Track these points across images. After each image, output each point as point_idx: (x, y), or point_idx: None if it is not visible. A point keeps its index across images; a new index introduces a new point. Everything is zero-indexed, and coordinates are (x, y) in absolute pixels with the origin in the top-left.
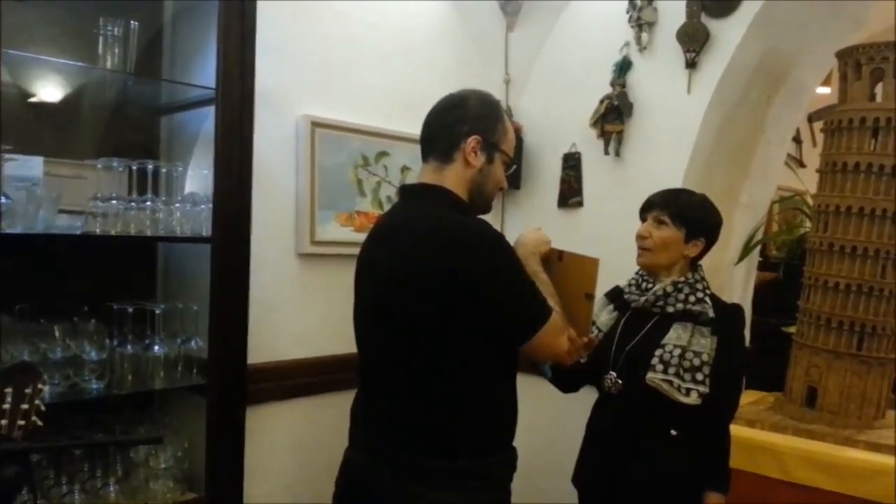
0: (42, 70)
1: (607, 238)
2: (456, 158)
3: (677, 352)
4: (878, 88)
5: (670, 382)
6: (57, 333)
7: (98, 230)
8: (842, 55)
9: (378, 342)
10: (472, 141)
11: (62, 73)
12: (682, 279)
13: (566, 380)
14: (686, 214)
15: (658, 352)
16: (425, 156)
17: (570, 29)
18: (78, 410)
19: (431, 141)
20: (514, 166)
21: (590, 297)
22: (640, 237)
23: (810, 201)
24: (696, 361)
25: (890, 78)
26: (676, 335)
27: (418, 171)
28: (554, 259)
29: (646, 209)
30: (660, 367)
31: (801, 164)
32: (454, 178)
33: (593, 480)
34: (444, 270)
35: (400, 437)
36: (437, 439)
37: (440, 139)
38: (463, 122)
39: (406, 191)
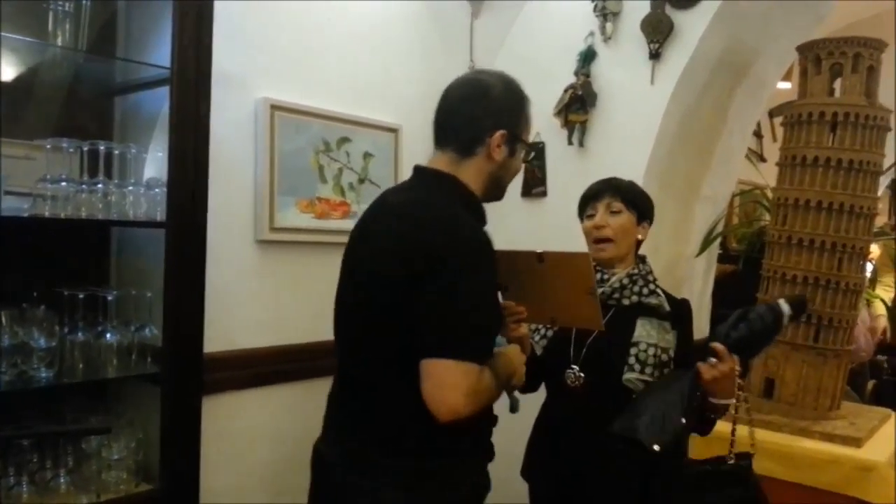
0: None
1: (571, 228)
2: (478, 153)
3: (651, 350)
4: (838, 83)
5: (646, 382)
6: (4, 320)
7: (47, 213)
8: (802, 50)
9: (348, 330)
10: (497, 136)
11: (10, 49)
12: (636, 271)
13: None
14: (635, 198)
15: (633, 350)
16: (441, 143)
17: (535, 17)
18: (27, 399)
19: (451, 130)
20: (533, 152)
21: (590, 291)
22: (598, 228)
23: (770, 195)
24: (664, 357)
25: (848, 73)
26: (646, 332)
27: (387, 157)
28: (532, 262)
29: (592, 199)
30: (637, 366)
31: (762, 159)
32: (474, 171)
33: (548, 475)
34: (412, 259)
35: (359, 434)
36: (395, 437)
37: (462, 131)
38: (488, 115)
39: (418, 172)
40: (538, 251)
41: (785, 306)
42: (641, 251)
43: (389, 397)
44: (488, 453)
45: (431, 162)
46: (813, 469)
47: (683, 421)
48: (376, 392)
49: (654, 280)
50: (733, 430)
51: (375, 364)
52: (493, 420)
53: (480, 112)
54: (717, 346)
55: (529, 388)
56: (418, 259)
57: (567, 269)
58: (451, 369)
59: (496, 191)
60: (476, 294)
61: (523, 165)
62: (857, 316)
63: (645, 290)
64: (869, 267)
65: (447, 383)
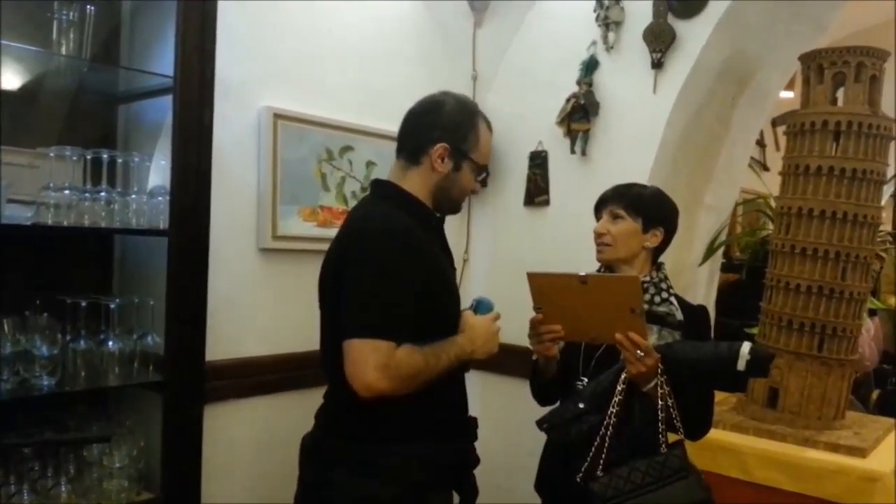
0: None
1: (573, 237)
2: (422, 162)
3: None
4: (840, 93)
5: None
6: (6, 328)
7: (50, 221)
8: (805, 59)
9: (321, 327)
10: (439, 148)
11: (16, 58)
12: (647, 278)
13: (546, 393)
14: (640, 204)
15: None
16: (397, 153)
17: (537, 26)
18: (28, 407)
19: (403, 140)
20: (486, 174)
21: (635, 311)
22: (598, 234)
23: (773, 204)
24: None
25: (851, 82)
26: None
27: (388, 166)
28: (574, 284)
29: (600, 206)
30: None
31: (765, 168)
32: (418, 180)
33: (560, 489)
34: (335, 260)
35: (325, 425)
36: (345, 426)
37: (410, 141)
38: (434, 128)
39: (371, 184)
40: (581, 273)
41: (746, 347)
42: None
43: (339, 389)
44: (444, 440)
45: (388, 172)
46: (817, 479)
47: (581, 406)
48: (332, 385)
49: (668, 288)
50: (662, 431)
51: (333, 359)
52: (449, 406)
53: (427, 124)
54: (636, 337)
55: (550, 401)
56: (338, 259)
57: (613, 291)
58: (359, 346)
59: (446, 203)
60: (380, 278)
61: (477, 185)
62: (861, 325)
63: (657, 299)
64: None
65: (357, 360)
